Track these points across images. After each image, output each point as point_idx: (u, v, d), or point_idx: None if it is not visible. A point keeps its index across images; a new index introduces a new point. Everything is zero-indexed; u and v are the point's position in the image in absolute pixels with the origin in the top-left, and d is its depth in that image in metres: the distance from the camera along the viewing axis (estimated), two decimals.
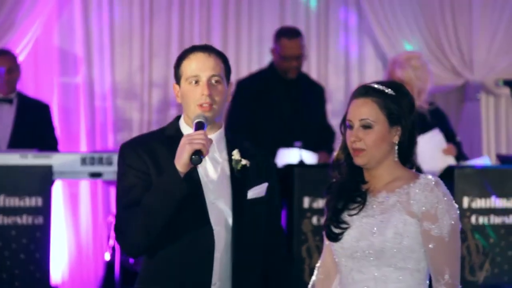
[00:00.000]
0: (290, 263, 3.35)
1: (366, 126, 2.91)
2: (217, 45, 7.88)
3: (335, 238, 2.96)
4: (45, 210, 5.41)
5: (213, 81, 3.05)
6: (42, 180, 5.47)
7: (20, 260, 5.34)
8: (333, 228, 2.95)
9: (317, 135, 6.36)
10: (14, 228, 5.38)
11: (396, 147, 2.95)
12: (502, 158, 7.15)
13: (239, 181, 3.09)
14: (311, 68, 7.75)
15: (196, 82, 3.04)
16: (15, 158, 5.43)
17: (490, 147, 8.41)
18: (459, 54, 8.22)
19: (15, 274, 5.33)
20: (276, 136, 6.19)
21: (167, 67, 7.80)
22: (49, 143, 6.22)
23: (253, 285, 3.11)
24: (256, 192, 3.12)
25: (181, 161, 2.91)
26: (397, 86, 3.00)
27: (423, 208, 2.86)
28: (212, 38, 7.91)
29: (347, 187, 2.99)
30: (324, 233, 3.04)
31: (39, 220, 5.41)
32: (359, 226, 2.92)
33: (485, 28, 8.26)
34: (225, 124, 6.40)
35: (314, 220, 5.44)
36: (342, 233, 2.94)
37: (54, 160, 5.58)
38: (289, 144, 6.08)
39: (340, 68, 8.18)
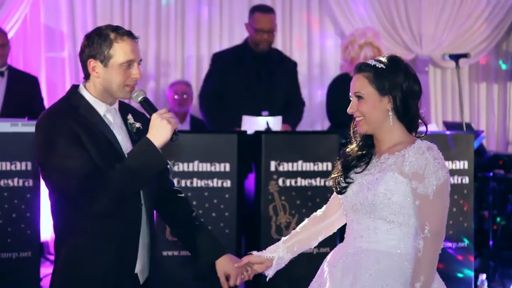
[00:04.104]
0: (179, 191, 3.39)
1: (359, 97, 3.03)
2: (192, 24, 7.88)
3: (340, 191, 3.11)
4: (34, 174, 5.35)
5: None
6: (31, 146, 5.40)
7: (12, 218, 5.30)
8: (341, 182, 3.11)
9: (285, 107, 6.34)
10: (6, 190, 5.31)
11: (390, 114, 3.01)
12: (448, 125, 7.21)
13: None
14: (277, 44, 7.71)
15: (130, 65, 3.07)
16: (6, 126, 5.35)
17: (437, 115, 8.48)
18: (409, 31, 8.25)
19: (8, 231, 5.29)
20: (244, 105, 6.18)
21: (146, 42, 7.74)
22: (37, 113, 6.13)
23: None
24: None
25: (162, 139, 2.96)
26: (391, 60, 3.05)
27: (413, 169, 2.93)
28: (186, 18, 7.87)
29: (358, 149, 3.13)
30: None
31: (29, 182, 5.36)
32: (360, 182, 3.06)
33: (433, 6, 8.29)
34: (200, 91, 6.47)
35: (280, 181, 5.44)
36: (346, 187, 3.09)
37: None
38: (257, 113, 6.07)
39: (303, 44, 8.17)
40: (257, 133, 5.59)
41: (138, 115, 3.22)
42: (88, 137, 2.98)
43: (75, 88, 3.14)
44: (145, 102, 3.08)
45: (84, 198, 2.94)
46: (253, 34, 6.28)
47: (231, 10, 7.93)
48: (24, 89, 6.46)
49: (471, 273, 5.78)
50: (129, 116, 3.18)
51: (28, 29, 7.49)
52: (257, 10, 6.37)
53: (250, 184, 5.62)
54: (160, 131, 2.96)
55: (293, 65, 6.57)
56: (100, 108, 3.09)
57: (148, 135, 2.98)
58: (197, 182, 5.34)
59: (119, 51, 3.04)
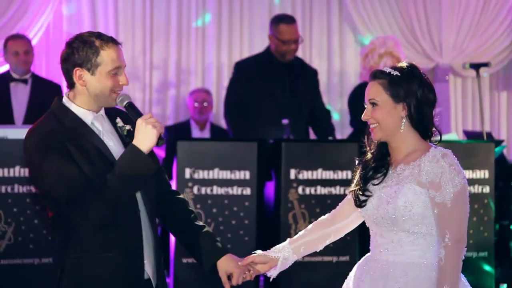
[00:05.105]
0: (177, 193, 3.35)
1: (374, 104, 3.01)
2: (212, 32, 7.91)
3: (359, 204, 3.07)
4: None
5: None
6: None
7: (34, 224, 5.31)
8: (360, 196, 3.07)
9: (312, 118, 6.37)
10: (29, 196, 5.33)
11: (404, 120, 2.99)
12: (468, 134, 7.18)
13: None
14: (297, 52, 7.71)
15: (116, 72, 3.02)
16: None
17: (457, 124, 8.44)
18: (429, 40, 8.22)
19: (30, 237, 5.32)
20: (268, 114, 6.20)
21: (166, 50, 7.78)
22: None
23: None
24: None
25: (148, 145, 2.92)
26: (406, 68, 3.03)
27: (429, 178, 2.91)
28: (207, 26, 7.89)
29: (374, 160, 3.09)
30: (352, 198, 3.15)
31: None
32: (379, 195, 3.02)
33: (453, 15, 8.26)
34: (224, 100, 6.49)
35: (300, 189, 5.43)
36: (365, 201, 3.05)
37: None
38: (278, 121, 6.08)
39: (323, 53, 8.17)
40: (277, 141, 5.60)
41: (126, 116, 3.14)
42: (78, 151, 2.94)
43: (59, 101, 3.06)
44: (130, 107, 3.03)
45: (80, 211, 2.90)
46: (279, 45, 6.27)
47: (251, 18, 7.94)
48: (47, 97, 6.45)
49: (492, 283, 5.75)
50: (118, 120, 3.13)
51: (51, 37, 7.54)
52: (281, 21, 6.35)
53: (270, 192, 5.62)
54: (145, 136, 2.91)
55: (314, 73, 6.58)
56: (87, 117, 3.04)
57: (134, 141, 2.93)
58: (217, 190, 5.35)
59: (107, 58, 2.97)
